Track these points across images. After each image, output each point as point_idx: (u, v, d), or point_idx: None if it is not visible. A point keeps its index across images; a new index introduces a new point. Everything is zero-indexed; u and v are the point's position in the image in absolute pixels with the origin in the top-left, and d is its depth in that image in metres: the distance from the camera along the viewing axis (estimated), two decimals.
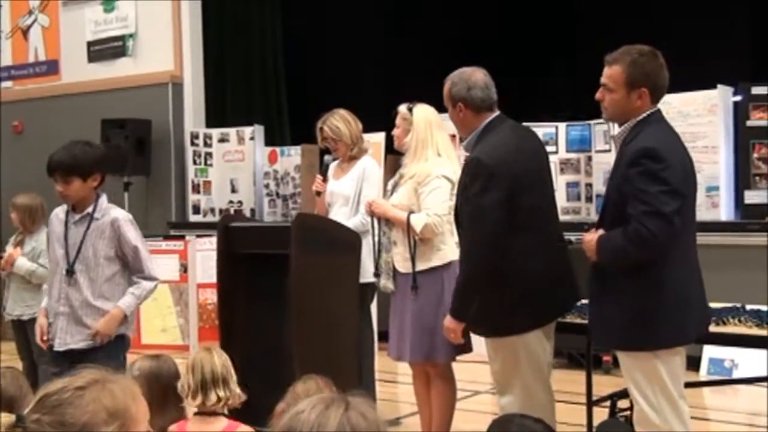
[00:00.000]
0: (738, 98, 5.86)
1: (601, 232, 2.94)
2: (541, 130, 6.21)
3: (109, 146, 7.81)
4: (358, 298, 4.15)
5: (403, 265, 3.91)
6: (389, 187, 4.13)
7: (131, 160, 7.86)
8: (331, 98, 4.96)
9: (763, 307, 3.47)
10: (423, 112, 3.96)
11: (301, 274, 3.77)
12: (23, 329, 4.85)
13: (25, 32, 9.05)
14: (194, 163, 8.12)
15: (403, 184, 3.95)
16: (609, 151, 6.28)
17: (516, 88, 5.88)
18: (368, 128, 4.84)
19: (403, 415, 4.83)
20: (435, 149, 3.91)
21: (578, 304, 3.46)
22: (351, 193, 4.45)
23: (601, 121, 6.33)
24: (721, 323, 3.31)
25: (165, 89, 8.18)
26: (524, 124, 3.75)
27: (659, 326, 2.85)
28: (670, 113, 3.04)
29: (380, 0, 8.57)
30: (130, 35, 8.38)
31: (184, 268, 7.17)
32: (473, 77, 3.37)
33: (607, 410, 3.74)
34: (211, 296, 6.92)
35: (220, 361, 2.80)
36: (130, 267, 3.63)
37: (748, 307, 3.49)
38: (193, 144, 8.12)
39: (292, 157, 7.82)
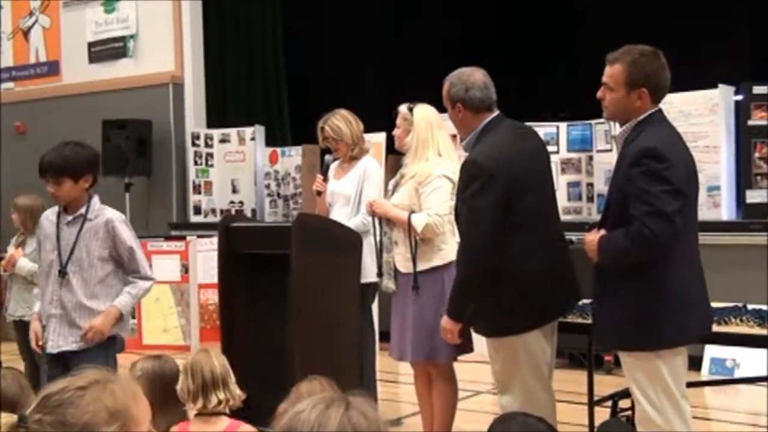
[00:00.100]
0: (739, 98, 5.86)
1: (602, 232, 2.94)
2: (542, 129, 6.21)
3: (110, 147, 7.85)
4: (359, 298, 4.15)
5: (404, 265, 3.91)
6: (390, 187, 4.13)
7: (132, 161, 7.87)
8: (332, 98, 4.95)
9: (765, 307, 3.47)
10: (423, 112, 3.96)
11: (302, 274, 3.77)
12: (25, 330, 4.85)
13: (26, 33, 9.06)
14: (195, 163, 8.12)
15: (404, 184, 3.95)
16: (610, 150, 6.27)
17: (516, 88, 5.87)
18: (369, 128, 4.84)
19: (404, 415, 4.83)
20: (436, 149, 3.91)
21: (579, 304, 3.46)
22: (352, 193, 4.45)
23: (602, 120, 6.33)
24: (722, 323, 3.31)
25: (166, 90, 8.18)
26: (525, 123, 3.74)
27: (661, 326, 2.85)
28: (672, 113, 3.04)
29: (380, 0, 8.57)
30: (131, 36, 8.38)
31: (186, 269, 7.17)
32: (472, 78, 3.37)
33: (608, 410, 3.73)
34: (213, 296, 6.93)
35: (218, 362, 2.79)
36: (124, 267, 3.62)
37: (750, 306, 3.48)
38: (194, 144, 8.12)
39: (292, 157, 7.82)
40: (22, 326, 4.91)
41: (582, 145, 6.65)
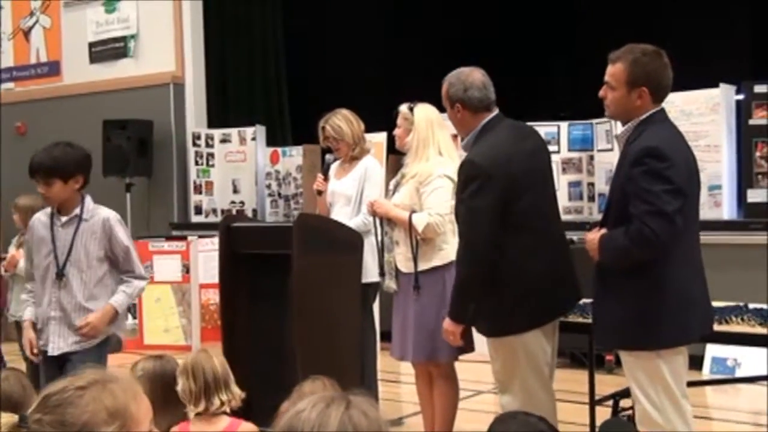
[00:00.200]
0: (740, 97, 5.85)
1: (603, 231, 2.94)
2: (543, 129, 6.19)
3: (111, 147, 7.85)
4: (360, 298, 4.15)
5: (405, 265, 3.91)
6: (391, 186, 4.13)
7: (133, 161, 7.87)
8: (333, 98, 4.95)
9: (766, 306, 3.46)
10: (424, 111, 3.95)
11: (303, 274, 3.76)
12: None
13: (27, 33, 9.06)
14: (196, 163, 8.12)
15: (404, 183, 3.95)
16: (611, 150, 6.27)
17: (516, 88, 5.86)
18: (370, 128, 4.84)
19: (405, 414, 4.83)
20: (436, 148, 3.90)
21: (580, 303, 3.46)
22: (353, 192, 4.45)
23: (602, 120, 6.34)
24: (723, 322, 3.30)
25: (166, 90, 8.19)
26: (526, 123, 3.74)
27: (661, 326, 2.84)
28: (673, 112, 3.04)
29: (380, 0, 8.56)
30: (132, 36, 8.38)
31: (187, 269, 7.17)
32: (470, 77, 3.36)
33: (609, 409, 3.73)
34: (214, 296, 6.93)
35: (219, 362, 2.79)
36: (119, 267, 3.59)
37: (751, 305, 3.48)
38: (194, 144, 8.12)
39: (293, 157, 7.82)
40: None
41: (583, 144, 6.64)
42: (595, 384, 3.79)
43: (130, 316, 7.10)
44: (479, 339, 3.49)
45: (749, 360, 5.46)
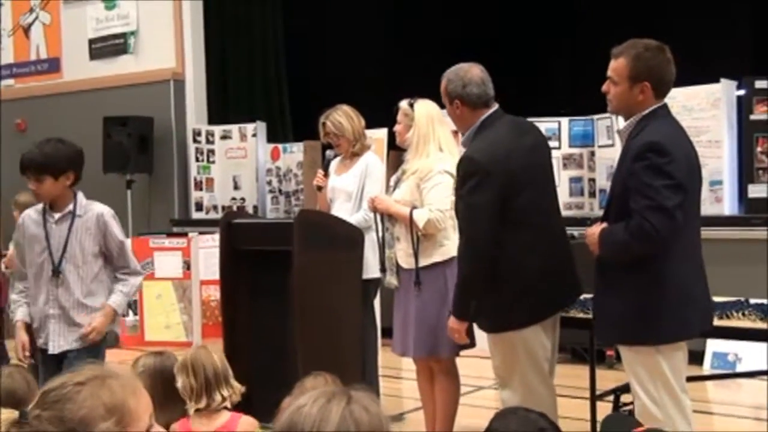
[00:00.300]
0: (741, 92, 5.85)
1: (604, 225, 2.94)
2: (544, 125, 6.18)
3: (111, 144, 7.85)
4: (361, 294, 4.15)
5: (406, 261, 3.91)
6: (392, 183, 4.13)
7: (133, 158, 7.87)
8: (333, 94, 4.95)
9: (767, 301, 3.46)
10: (424, 107, 3.95)
11: (304, 270, 3.76)
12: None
13: (27, 30, 9.05)
14: (197, 160, 8.12)
15: (405, 179, 3.94)
16: (612, 146, 6.27)
17: (517, 85, 5.86)
18: (370, 124, 4.83)
19: (406, 410, 4.83)
20: (437, 144, 3.90)
21: (581, 299, 3.46)
22: (354, 189, 4.45)
23: (603, 116, 6.33)
24: (724, 317, 3.30)
25: (167, 86, 8.18)
26: (527, 119, 3.73)
27: (661, 321, 2.85)
28: (674, 107, 3.03)
29: (380, 0, 8.55)
30: (132, 32, 8.38)
31: (188, 265, 7.18)
32: (469, 74, 3.36)
33: (610, 404, 3.73)
34: (215, 293, 6.93)
35: (218, 357, 2.79)
36: (113, 262, 3.57)
37: (752, 300, 3.48)
38: (195, 141, 8.12)
39: (294, 153, 7.81)
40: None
41: (583, 140, 6.64)
42: (596, 379, 3.79)
43: (131, 313, 7.11)
44: (480, 334, 3.50)
45: (750, 355, 5.46)
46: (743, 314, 3.30)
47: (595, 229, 2.95)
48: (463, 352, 3.88)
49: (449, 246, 3.77)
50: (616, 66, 2.93)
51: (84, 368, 1.46)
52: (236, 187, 8.03)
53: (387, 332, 4.53)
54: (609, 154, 6.29)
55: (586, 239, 3.00)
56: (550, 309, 3.31)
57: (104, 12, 8.51)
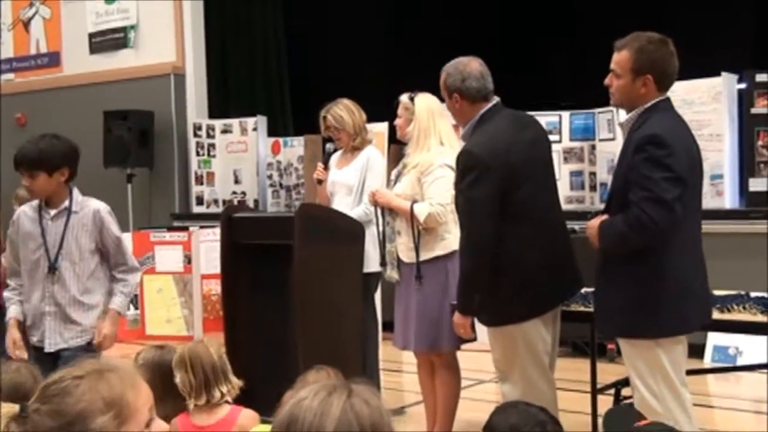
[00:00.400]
0: (742, 86, 5.84)
1: (604, 217, 2.94)
2: (545, 119, 6.18)
3: (111, 138, 7.85)
4: (362, 288, 4.15)
5: (407, 255, 3.91)
6: (393, 176, 4.12)
7: (134, 152, 7.87)
8: (334, 88, 4.94)
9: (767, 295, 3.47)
10: (425, 101, 3.94)
11: (305, 264, 3.76)
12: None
13: (27, 24, 9.04)
14: (197, 154, 8.12)
15: (406, 173, 3.94)
16: (613, 139, 6.26)
17: (517, 80, 5.83)
18: (371, 118, 4.83)
19: (407, 404, 4.84)
20: (437, 138, 3.90)
21: (582, 292, 3.46)
22: (354, 182, 4.45)
23: (604, 109, 6.32)
24: (725, 310, 3.30)
25: (167, 80, 8.17)
26: (528, 113, 3.73)
27: (660, 314, 2.85)
28: (675, 101, 3.02)
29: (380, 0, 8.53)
30: (132, 26, 8.37)
31: (188, 260, 7.18)
32: (468, 67, 3.35)
33: (611, 398, 3.73)
34: (215, 287, 6.93)
35: (217, 353, 2.79)
36: (110, 259, 3.52)
37: (753, 294, 3.48)
38: (195, 135, 8.12)
39: (295, 147, 7.81)
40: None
41: (584, 134, 6.63)
42: (596, 373, 3.80)
43: (131, 307, 7.11)
44: (481, 328, 3.50)
45: (751, 348, 5.46)
46: (744, 308, 3.31)
47: (595, 222, 2.96)
48: (464, 346, 3.89)
49: (450, 240, 3.77)
50: (619, 59, 2.93)
51: (84, 362, 1.46)
52: (237, 181, 8.02)
53: (388, 326, 4.53)
54: (610, 148, 6.28)
55: (586, 232, 3.00)
56: (550, 303, 3.31)
57: (104, 6, 8.50)
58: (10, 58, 9.14)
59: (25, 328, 3.55)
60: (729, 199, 5.80)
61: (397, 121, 4.05)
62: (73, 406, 1.39)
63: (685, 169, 2.83)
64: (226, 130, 8.04)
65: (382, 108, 4.85)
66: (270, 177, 7.97)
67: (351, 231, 4.06)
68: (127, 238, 6.70)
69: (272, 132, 8.07)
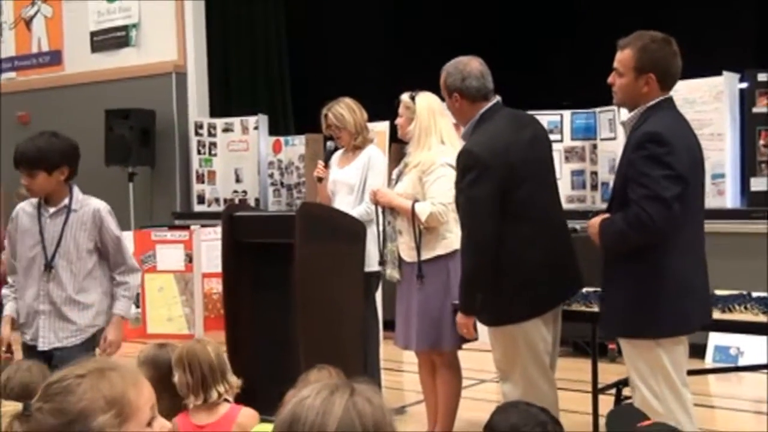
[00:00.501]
0: (744, 85, 5.83)
1: (605, 216, 2.94)
2: (546, 118, 6.18)
3: (113, 137, 7.85)
4: (363, 287, 4.15)
5: (408, 254, 3.91)
6: (394, 176, 4.12)
7: (135, 151, 7.88)
8: (335, 87, 4.94)
9: None
10: (425, 100, 3.94)
11: (306, 263, 3.76)
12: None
13: (28, 22, 9.04)
14: (198, 153, 8.12)
15: (407, 173, 3.94)
16: (614, 139, 6.26)
17: (518, 80, 5.83)
18: (372, 117, 4.82)
19: (408, 403, 4.84)
20: (438, 137, 3.90)
21: (583, 292, 3.46)
22: (356, 181, 4.45)
23: (605, 108, 6.32)
24: (727, 311, 3.30)
25: (169, 79, 8.18)
26: (528, 112, 3.73)
27: (661, 314, 2.85)
28: (676, 100, 3.02)
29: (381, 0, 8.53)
30: (134, 25, 8.37)
31: (190, 258, 7.18)
32: (468, 67, 3.35)
33: (612, 398, 3.73)
34: (217, 286, 6.94)
35: (214, 352, 2.78)
36: (109, 259, 3.50)
37: (754, 294, 3.48)
38: (197, 134, 8.12)
39: (296, 146, 7.81)
40: None
41: (586, 133, 6.62)
42: (597, 372, 3.80)
43: (133, 305, 7.11)
44: (482, 327, 3.50)
45: (752, 349, 5.46)
46: (745, 308, 3.30)
47: (596, 220, 2.97)
48: (465, 345, 3.89)
49: (452, 239, 3.77)
50: (622, 57, 2.93)
51: (87, 361, 1.47)
52: (238, 180, 8.03)
53: (389, 325, 4.54)
54: (611, 147, 6.28)
55: (588, 230, 3.00)
56: (551, 302, 3.31)
57: (106, 4, 8.50)
58: (12, 56, 9.14)
59: (18, 326, 3.52)
60: (730, 199, 5.80)
61: (398, 120, 4.05)
62: (75, 405, 1.39)
63: (685, 167, 2.82)
64: (227, 129, 8.04)
65: (383, 107, 4.85)
66: (271, 176, 7.97)
67: (352, 230, 4.06)
68: (129, 237, 6.71)
69: (273, 131, 8.07)
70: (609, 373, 4.26)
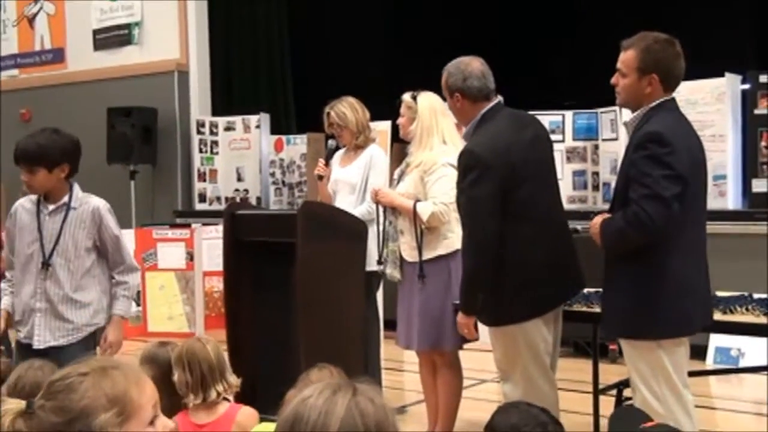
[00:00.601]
0: (746, 86, 5.83)
1: (606, 215, 2.95)
2: (548, 118, 6.19)
3: (115, 134, 7.86)
4: (364, 287, 4.15)
5: (409, 254, 3.91)
6: (396, 176, 4.12)
7: (137, 149, 7.88)
8: (337, 86, 4.93)
9: None
10: (427, 100, 3.94)
11: (307, 262, 3.76)
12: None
13: (31, 20, 9.05)
14: (200, 151, 8.13)
15: (409, 172, 3.94)
16: (616, 139, 6.26)
17: (520, 81, 5.83)
18: (374, 117, 4.82)
19: (409, 403, 4.84)
20: (440, 137, 3.90)
21: (584, 292, 3.46)
22: (357, 181, 4.44)
23: (607, 109, 6.32)
24: (728, 312, 3.30)
25: (171, 77, 8.18)
26: (530, 112, 3.73)
27: (661, 315, 2.85)
28: (678, 101, 3.02)
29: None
30: (136, 23, 8.37)
31: (191, 257, 7.19)
32: (470, 67, 3.35)
33: (613, 399, 3.73)
34: (218, 284, 6.94)
35: (214, 351, 2.77)
36: (108, 257, 3.47)
37: (756, 295, 3.47)
38: (199, 132, 8.12)
39: (297, 145, 7.81)
40: None
41: (587, 133, 6.63)
42: (598, 373, 3.80)
43: (133, 304, 7.12)
44: (482, 327, 3.50)
45: (753, 350, 5.46)
46: (746, 309, 3.30)
47: (598, 220, 2.97)
48: (465, 345, 3.89)
49: (453, 239, 3.77)
50: (625, 58, 2.93)
51: (90, 359, 1.47)
52: (239, 179, 8.03)
53: (390, 325, 4.54)
54: (613, 148, 6.28)
55: (589, 230, 3.01)
56: (552, 303, 3.31)
57: (108, 2, 8.51)
58: (15, 54, 9.14)
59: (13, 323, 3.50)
60: (732, 200, 5.80)
61: (400, 120, 4.05)
62: (77, 403, 1.39)
63: (685, 167, 2.82)
64: (229, 128, 8.04)
65: (384, 107, 4.84)
66: (273, 174, 7.97)
67: (354, 229, 4.06)
68: (130, 235, 6.72)
69: (275, 130, 8.07)
70: (610, 373, 4.26)
